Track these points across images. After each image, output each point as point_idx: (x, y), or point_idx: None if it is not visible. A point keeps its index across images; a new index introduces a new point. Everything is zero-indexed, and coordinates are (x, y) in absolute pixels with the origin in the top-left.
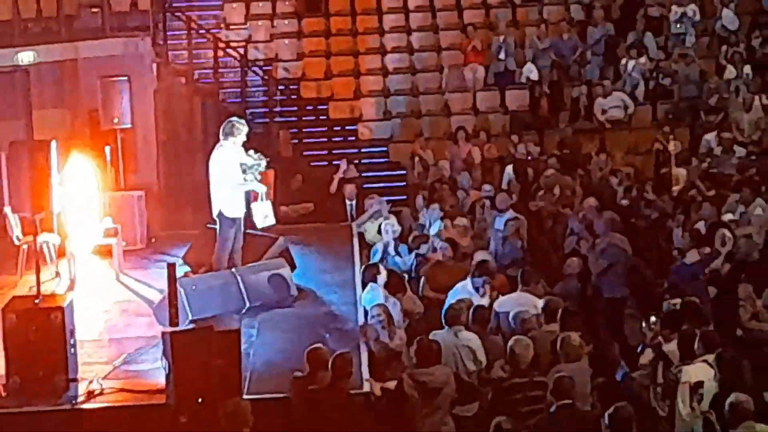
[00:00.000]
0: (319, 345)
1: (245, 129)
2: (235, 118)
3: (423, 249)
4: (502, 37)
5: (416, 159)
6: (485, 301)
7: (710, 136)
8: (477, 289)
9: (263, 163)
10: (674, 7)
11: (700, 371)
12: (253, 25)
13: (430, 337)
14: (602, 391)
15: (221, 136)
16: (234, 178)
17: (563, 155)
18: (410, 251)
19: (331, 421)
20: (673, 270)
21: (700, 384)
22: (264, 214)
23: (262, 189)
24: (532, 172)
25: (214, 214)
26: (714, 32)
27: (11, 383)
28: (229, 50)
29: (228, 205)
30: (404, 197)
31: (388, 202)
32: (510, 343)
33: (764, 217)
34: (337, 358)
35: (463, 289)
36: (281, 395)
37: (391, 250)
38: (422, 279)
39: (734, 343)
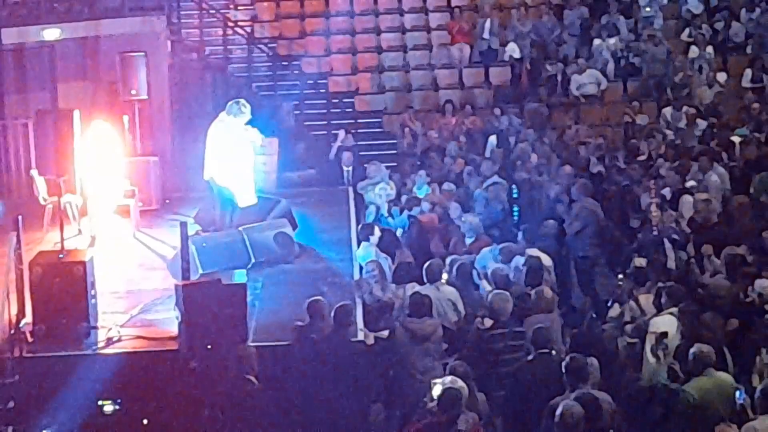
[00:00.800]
0: (319, 297)
1: (249, 110)
2: (242, 100)
3: (415, 211)
4: (486, 20)
5: (406, 130)
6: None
7: (668, 110)
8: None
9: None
10: None
11: (666, 323)
12: (259, 6)
13: (416, 291)
14: (574, 340)
15: (227, 114)
16: (248, 155)
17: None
18: (401, 212)
19: (330, 366)
20: (640, 232)
21: (664, 334)
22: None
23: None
24: (513, 141)
25: (221, 181)
26: (680, 16)
27: (37, 330)
28: (237, 28)
29: (240, 179)
30: (394, 164)
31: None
32: (490, 297)
33: (720, 184)
34: (339, 308)
35: None
36: (284, 343)
37: (384, 211)
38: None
39: (696, 299)
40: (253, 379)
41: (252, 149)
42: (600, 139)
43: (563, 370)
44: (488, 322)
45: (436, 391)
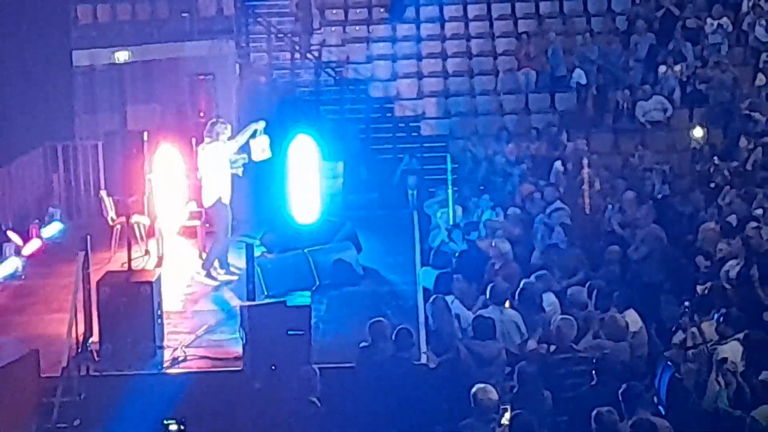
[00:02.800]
0: (381, 318)
1: (228, 128)
2: (220, 119)
3: (473, 235)
4: (552, 45)
5: (468, 154)
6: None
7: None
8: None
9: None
10: (709, 20)
11: (730, 349)
12: (327, 30)
13: (480, 314)
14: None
15: (210, 136)
16: (227, 169)
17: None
18: (463, 237)
19: (392, 388)
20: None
21: (724, 360)
22: (261, 148)
23: (260, 125)
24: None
25: (211, 202)
26: (747, 43)
27: (104, 349)
28: (304, 52)
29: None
30: (457, 188)
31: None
32: (557, 321)
33: None
34: (400, 331)
35: None
36: (347, 365)
37: (444, 236)
38: None
39: (762, 326)
40: (315, 400)
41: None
42: (666, 165)
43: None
44: (551, 347)
45: (506, 417)
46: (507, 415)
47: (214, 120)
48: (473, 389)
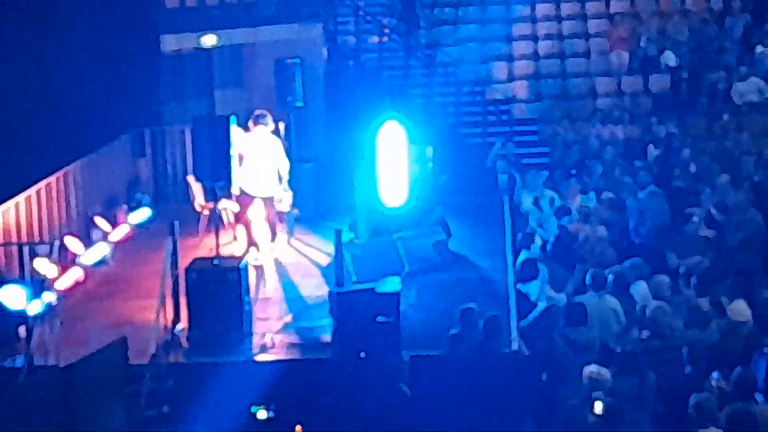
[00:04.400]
0: (471, 305)
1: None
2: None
3: (565, 220)
4: (646, 26)
5: (559, 138)
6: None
7: None
8: None
9: None
10: None
11: None
12: (417, 13)
13: (572, 301)
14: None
15: (254, 123)
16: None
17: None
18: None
19: (481, 376)
20: None
21: None
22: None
23: None
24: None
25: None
26: None
27: (192, 336)
28: (393, 35)
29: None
30: (548, 172)
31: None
32: (652, 308)
33: None
34: (490, 319)
35: None
36: (437, 352)
37: (533, 222)
38: None
39: None
40: (405, 388)
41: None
42: (764, 148)
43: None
44: (645, 334)
45: (599, 406)
46: (599, 404)
47: (260, 112)
48: (585, 370)
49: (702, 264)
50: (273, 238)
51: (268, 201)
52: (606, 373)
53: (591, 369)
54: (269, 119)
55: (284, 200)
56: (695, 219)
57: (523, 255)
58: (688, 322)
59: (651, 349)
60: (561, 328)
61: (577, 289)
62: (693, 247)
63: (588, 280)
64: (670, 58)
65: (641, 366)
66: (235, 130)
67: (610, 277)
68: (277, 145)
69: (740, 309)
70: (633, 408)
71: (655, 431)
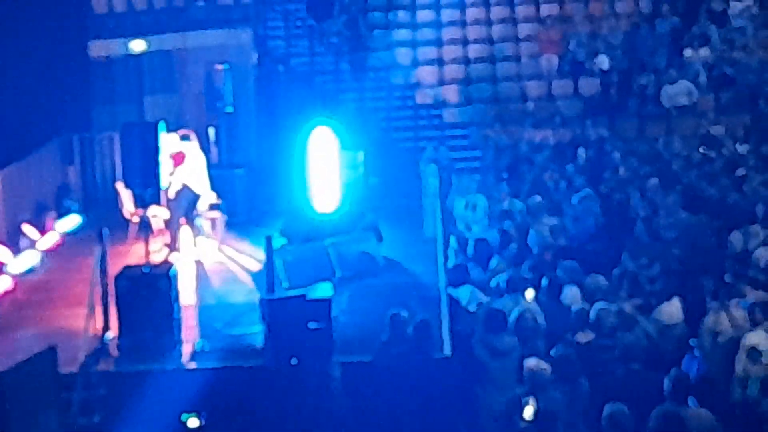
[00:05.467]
0: (399, 311)
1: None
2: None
3: (506, 225)
4: (576, 30)
5: (490, 142)
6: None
7: None
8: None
9: None
10: (734, 2)
11: (758, 337)
12: (346, 17)
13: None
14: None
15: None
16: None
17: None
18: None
19: (411, 381)
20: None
21: (754, 348)
22: None
23: None
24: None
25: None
26: None
27: (123, 344)
28: (323, 39)
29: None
30: (478, 176)
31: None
32: (594, 310)
33: None
34: (420, 323)
35: None
36: (368, 358)
37: (461, 226)
38: None
39: None
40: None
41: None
42: (691, 150)
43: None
44: (588, 335)
45: (528, 411)
46: (530, 408)
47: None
48: (526, 363)
49: (634, 266)
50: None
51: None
52: (546, 366)
53: (531, 363)
54: (192, 137)
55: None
56: (627, 222)
57: (452, 259)
58: (620, 325)
59: (586, 353)
60: (481, 334)
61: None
62: (626, 249)
63: (503, 284)
64: (603, 61)
65: (575, 370)
66: (164, 136)
67: (544, 281)
68: (200, 160)
69: (671, 311)
70: (567, 411)
71: None
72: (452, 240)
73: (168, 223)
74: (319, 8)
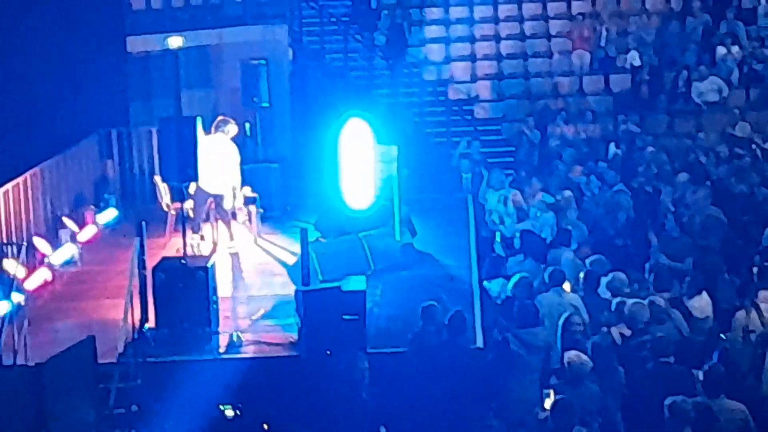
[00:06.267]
0: (433, 302)
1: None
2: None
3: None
4: (606, 26)
5: (524, 138)
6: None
7: None
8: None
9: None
10: (764, 1)
11: None
12: (380, 14)
13: (537, 299)
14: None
15: (216, 130)
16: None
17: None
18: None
19: (443, 372)
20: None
21: None
22: None
23: None
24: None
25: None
26: None
27: (160, 335)
28: (357, 36)
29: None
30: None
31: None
32: (628, 304)
33: None
34: (454, 315)
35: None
36: (401, 349)
37: (496, 218)
38: None
39: None
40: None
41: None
42: (722, 146)
43: (702, 378)
44: (626, 331)
45: (548, 402)
46: (549, 400)
47: (222, 118)
48: (566, 356)
49: (666, 261)
50: (231, 237)
51: (219, 200)
52: (586, 358)
53: (571, 354)
54: (230, 126)
55: (235, 202)
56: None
57: (500, 252)
58: (653, 318)
59: (622, 345)
60: (514, 328)
61: (540, 287)
62: (659, 244)
63: (546, 278)
64: (635, 57)
65: (612, 361)
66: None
67: (581, 275)
68: (233, 153)
69: (702, 305)
70: (604, 401)
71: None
72: (497, 235)
73: (202, 216)
74: (364, 17)
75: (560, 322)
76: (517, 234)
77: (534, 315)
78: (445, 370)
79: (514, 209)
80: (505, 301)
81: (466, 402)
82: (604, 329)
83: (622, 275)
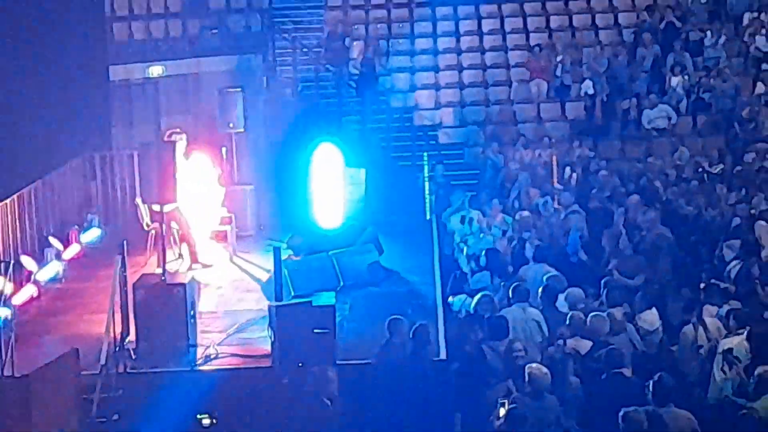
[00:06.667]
0: (399, 316)
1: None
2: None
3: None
4: (562, 57)
5: (488, 162)
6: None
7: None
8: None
9: None
10: (709, 32)
11: (733, 342)
12: (350, 45)
13: (501, 313)
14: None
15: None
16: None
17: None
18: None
19: (408, 383)
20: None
21: (729, 351)
22: None
23: None
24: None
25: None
26: (747, 54)
27: (140, 348)
28: (328, 66)
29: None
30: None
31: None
32: (589, 317)
33: None
34: (419, 327)
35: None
36: (368, 361)
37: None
38: None
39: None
40: (327, 402)
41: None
42: (672, 170)
43: (651, 388)
44: (586, 344)
45: (501, 412)
46: (503, 409)
47: (174, 130)
48: (528, 368)
49: (617, 276)
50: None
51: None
52: (546, 370)
53: (532, 366)
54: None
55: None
56: (610, 236)
57: (466, 269)
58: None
59: (577, 357)
60: (484, 339)
61: (501, 302)
62: (612, 261)
63: (510, 293)
64: (589, 86)
65: (565, 373)
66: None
67: (539, 290)
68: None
69: (651, 320)
70: (561, 413)
71: None
72: (463, 252)
73: (183, 236)
74: (334, 49)
75: (502, 349)
76: (482, 252)
77: (504, 328)
78: (409, 381)
79: (477, 228)
80: (469, 316)
81: (430, 410)
82: (560, 342)
83: (578, 290)
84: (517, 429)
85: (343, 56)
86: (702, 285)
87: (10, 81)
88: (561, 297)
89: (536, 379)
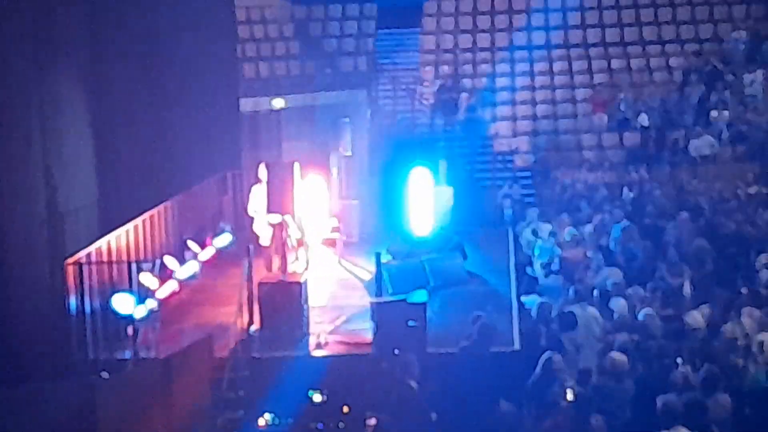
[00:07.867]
0: (479, 313)
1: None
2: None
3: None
4: (621, 94)
5: (558, 182)
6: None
7: None
8: None
9: None
10: (746, 75)
11: (765, 337)
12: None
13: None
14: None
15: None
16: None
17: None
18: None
19: (489, 370)
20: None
21: (761, 343)
22: None
23: None
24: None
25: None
26: None
27: (263, 336)
28: (422, 100)
29: None
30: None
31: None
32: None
33: None
34: (484, 324)
35: None
36: (452, 351)
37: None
38: None
39: None
40: (413, 384)
41: None
42: (714, 191)
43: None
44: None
45: (570, 394)
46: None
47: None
48: (608, 356)
49: (665, 282)
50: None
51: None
52: (624, 358)
53: (613, 355)
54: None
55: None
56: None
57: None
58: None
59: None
60: (556, 332)
61: (566, 301)
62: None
63: (572, 294)
64: (644, 119)
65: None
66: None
67: (595, 292)
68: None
69: (696, 318)
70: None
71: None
72: (535, 258)
73: (300, 242)
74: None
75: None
76: (554, 258)
77: (573, 322)
78: (488, 368)
79: (548, 238)
80: (539, 313)
81: (503, 393)
82: (616, 337)
83: (637, 290)
84: (584, 409)
85: (452, 107)
86: (742, 290)
87: (162, 112)
88: (618, 298)
89: (617, 365)
